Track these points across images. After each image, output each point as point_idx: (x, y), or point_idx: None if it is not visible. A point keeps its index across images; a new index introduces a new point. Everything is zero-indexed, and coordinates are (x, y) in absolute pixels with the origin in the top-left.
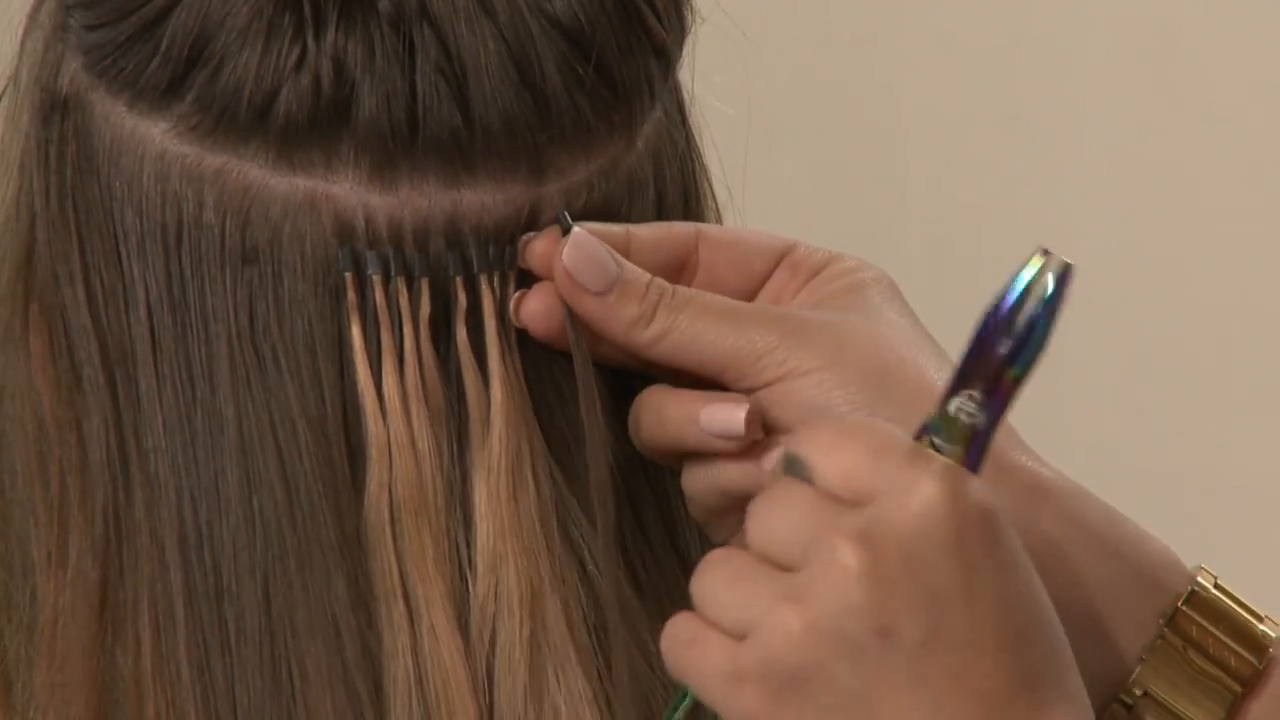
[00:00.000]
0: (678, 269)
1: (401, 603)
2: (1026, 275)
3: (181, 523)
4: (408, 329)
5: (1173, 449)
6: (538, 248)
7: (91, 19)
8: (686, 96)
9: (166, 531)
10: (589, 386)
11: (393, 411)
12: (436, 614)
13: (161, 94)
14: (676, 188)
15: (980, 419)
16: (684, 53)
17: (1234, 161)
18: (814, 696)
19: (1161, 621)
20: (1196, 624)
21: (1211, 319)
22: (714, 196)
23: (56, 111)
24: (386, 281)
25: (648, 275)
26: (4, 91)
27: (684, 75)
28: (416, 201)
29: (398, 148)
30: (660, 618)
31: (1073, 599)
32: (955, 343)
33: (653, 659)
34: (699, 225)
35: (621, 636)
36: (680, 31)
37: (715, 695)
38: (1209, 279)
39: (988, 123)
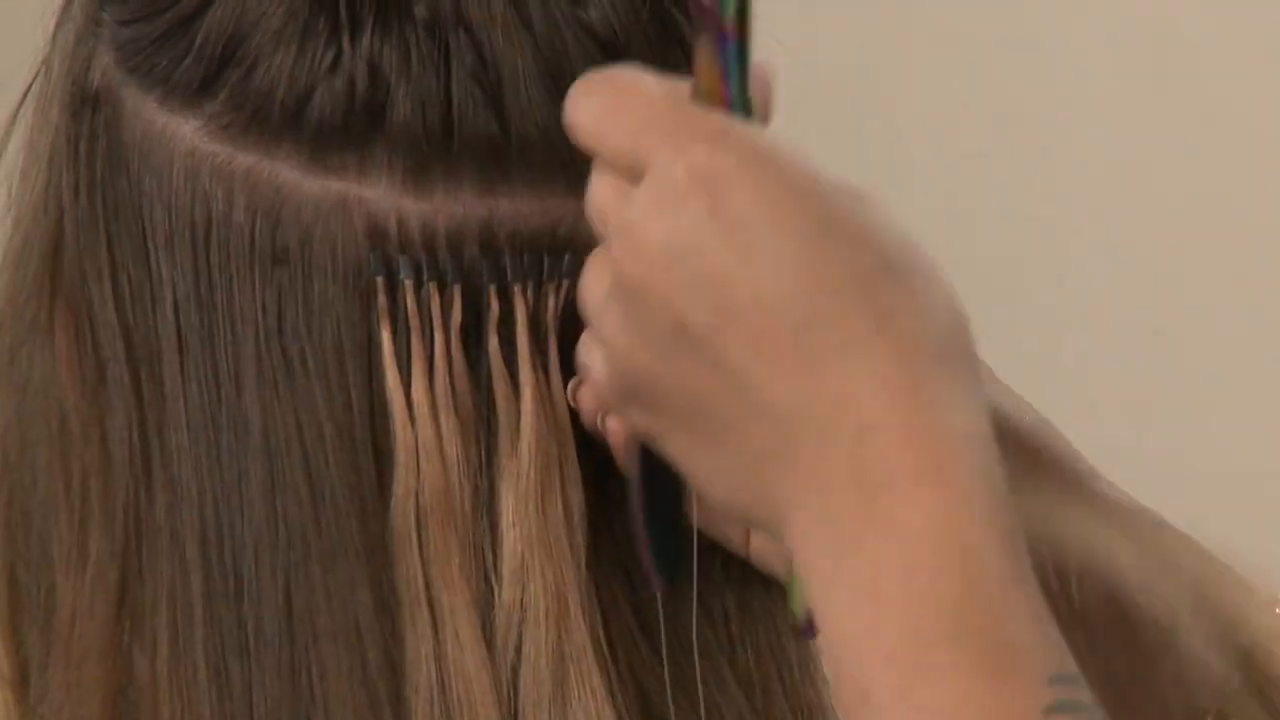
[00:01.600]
0: None
1: (426, 610)
2: None
3: (203, 524)
4: (438, 335)
5: (1172, 446)
6: None
7: (125, 14)
8: None
9: (187, 532)
10: None
11: (421, 417)
12: (461, 622)
13: (194, 92)
14: None
15: (719, 62)
16: None
17: (1234, 161)
18: (662, 403)
19: (1241, 656)
20: (1278, 659)
21: (1212, 319)
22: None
23: (87, 106)
24: (419, 287)
25: None
26: (34, 81)
27: None
28: (451, 207)
29: (432, 153)
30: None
31: (1153, 634)
32: None
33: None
34: None
35: (644, 653)
36: None
37: (617, 412)
38: (1209, 279)
39: (987, 122)
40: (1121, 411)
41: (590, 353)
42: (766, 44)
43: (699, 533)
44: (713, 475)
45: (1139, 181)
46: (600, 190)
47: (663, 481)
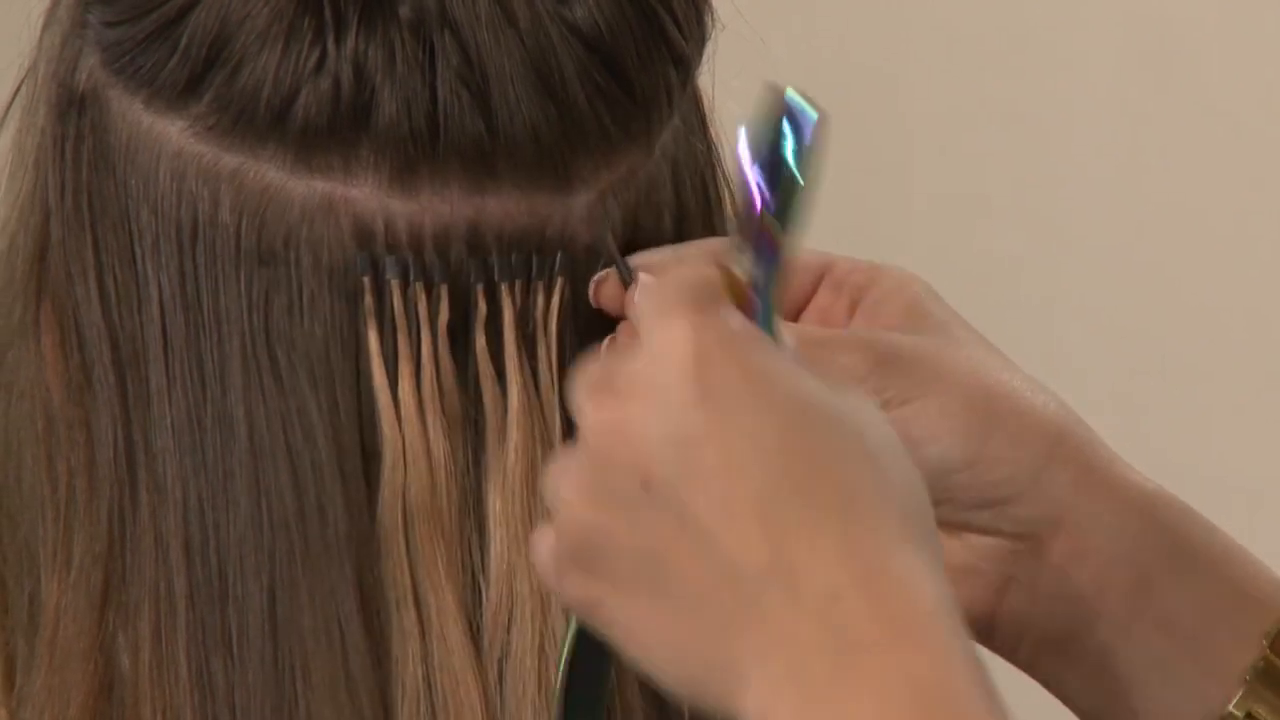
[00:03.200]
0: None
1: (413, 610)
2: (763, 134)
3: (187, 525)
4: (425, 335)
5: (1171, 448)
6: (608, 292)
7: (110, 16)
8: (707, 104)
9: (172, 534)
10: None
11: (408, 418)
12: (448, 622)
13: (179, 93)
14: (697, 196)
15: (753, 272)
16: (704, 59)
17: (1234, 161)
18: (613, 564)
19: (1265, 642)
20: None
21: (1211, 318)
22: (734, 204)
23: (73, 107)
24: (405, 287)
25: None
26: (20, 83)
27: (704, 80)
28: (438, 207)
29: (419, 153)
30: None
31: (1176, 617)
32: None
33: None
34: None
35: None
36: (700, 39)
37: (553, 589)
38: (1209, 278)
39: (987, 122)
40: (1122, 411)
41: (540, 534)
42: (767, 44)
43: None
44: (662, 640)
45: (1139, 181)
46: (590, 369)
47: (590, 661)
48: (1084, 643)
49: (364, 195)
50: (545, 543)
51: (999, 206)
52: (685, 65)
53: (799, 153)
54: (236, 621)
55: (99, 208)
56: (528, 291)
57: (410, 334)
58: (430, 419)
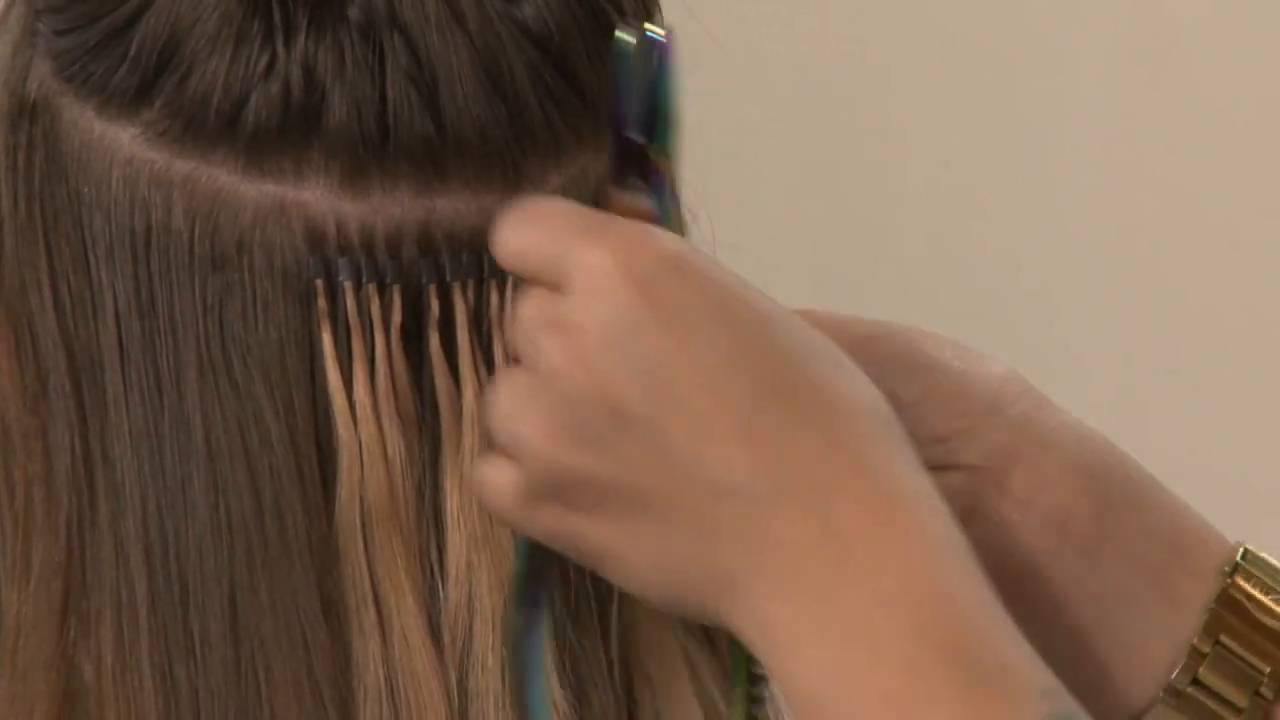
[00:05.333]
0: None
1: (373, 610)
2: (627, 63)
3: (147, 531)
4: (379, 336)
5: (1169, 444)
6: None
7: (60, 24)
8: None
9: (131, 540)
10: None
11: (364, 419)
12: (408, 622)
13: (130, 100)
14: None
15: (651, 201)
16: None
17: (1231, 159)
18: (593, 498)
19: (1225, 571)
20: (1259, 576)
21: (1211, 318)
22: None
23: (25, 116)
24: (358, 288)
25: None
26: None
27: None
28: (389, 208)
29: (369, 155)
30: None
31: (1138, 548)
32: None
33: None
34: None
35: (586, 646)
36: None
37: (516, 524)
38: (1209, 278)
39: (984, 121)
40: (1122, 411)
41: (494, 468)
42: (767, 45)
43: None
44: (650, 563)
45: (1137, 180)
46: (528, 307)
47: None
48: (1050, 575)
49: (315, 198)
50: (503, 478)
51: (995, 206)
52: None
53: (664, 80)
54: (199, 626)
55: (52, 216)
56: (480, 291)
57: (364, 335)
58: (386, 420)
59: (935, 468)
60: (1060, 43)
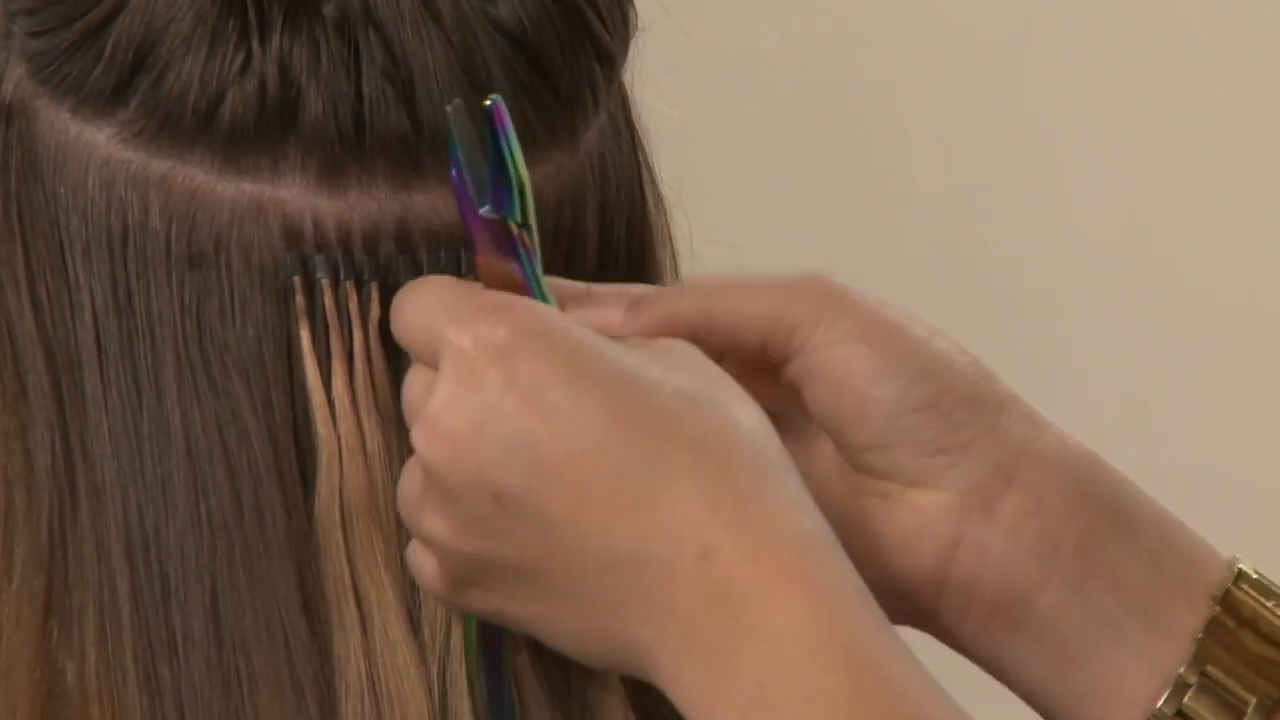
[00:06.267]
0: None
1: (353, 606)
2: (461, 142)
3: (128, 529)
4: (358, 333)
5: (1171, 445)
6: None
7: (35, 26)
8: (639, 104)
9: (113, 539)
10: None
11: (343, 415)
12: (389, 617)
13: (106, 100)
14: (624, 194)
15: (522, 274)
16: (637, 57)
17: (1235, 161)
18: (498, 579)
19: (1214, 599)
20: (1249, 603)
21: (1212, 318)
22: (661, 203)
23: (0, 119)
24: (335, 285)
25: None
26: None
27: (633, 79)
28: (366, 205)
29: (345, 152)
30: None
31: (1125, 576)
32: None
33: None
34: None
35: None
36: (624, 35)
37: (452, 606)
38: (1209, 278)
39: (989, 121)
40: (1125, 411)
41: (419, 557)
42: (768, 45)
43: None
44: (567, 633)
45: (1139, 180)
46: (411, 388)
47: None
48: (1035, 603)
49: (292, 195)
50: (428, 566)
51: (1000, 206)
52: (610, 60)
53: (509, 148)
54: (181, 624)
55: (29, 217)
56: None
57: (342, 332)
58: (364, 416)
59: (928, 486)
60: (1065, 43)
